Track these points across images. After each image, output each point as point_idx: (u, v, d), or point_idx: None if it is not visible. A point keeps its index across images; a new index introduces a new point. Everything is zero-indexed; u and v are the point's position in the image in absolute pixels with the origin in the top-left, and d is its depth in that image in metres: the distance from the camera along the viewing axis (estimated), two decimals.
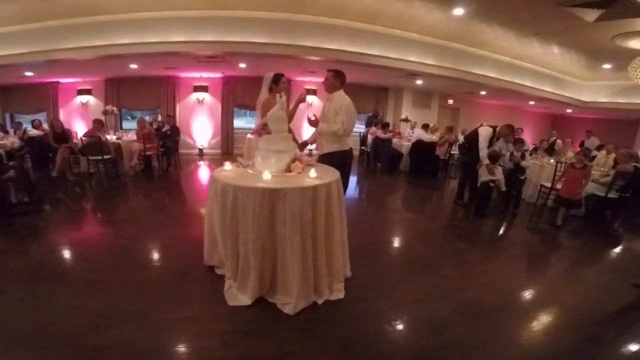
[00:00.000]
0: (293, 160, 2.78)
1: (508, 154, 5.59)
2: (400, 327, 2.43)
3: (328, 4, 5.80)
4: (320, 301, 2.54)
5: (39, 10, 5.78)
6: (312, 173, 2.62)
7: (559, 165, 5.61)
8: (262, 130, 2.88)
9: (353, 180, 7.62)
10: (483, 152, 5.29)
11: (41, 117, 9.82)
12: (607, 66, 8.14)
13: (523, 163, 5.45)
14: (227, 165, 2.95)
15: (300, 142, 3.70)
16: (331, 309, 2.52)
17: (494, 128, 5.47)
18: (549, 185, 5.59)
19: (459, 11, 5.56)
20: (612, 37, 5.86)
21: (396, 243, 4.20)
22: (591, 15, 4.93)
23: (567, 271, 3.76)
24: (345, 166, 3.40)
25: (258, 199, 2.33)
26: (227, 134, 10.60)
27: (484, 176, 5.32)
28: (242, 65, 8.17)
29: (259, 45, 6.29)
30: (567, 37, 6.34)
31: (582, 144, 9.71)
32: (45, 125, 8.83)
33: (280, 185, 2.40)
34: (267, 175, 2.54)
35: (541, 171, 6.20)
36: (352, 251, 3.02)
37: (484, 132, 5.37)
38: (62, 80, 9.84)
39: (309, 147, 3.88)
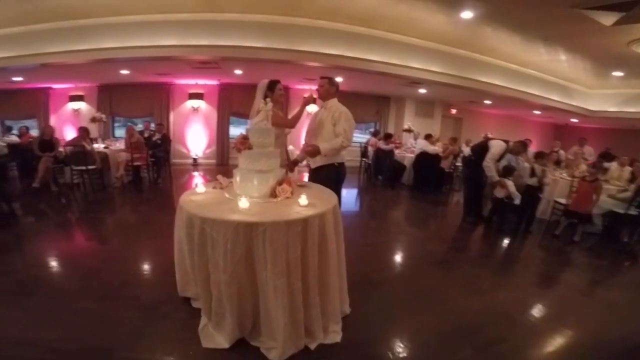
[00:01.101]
0: (280, 183, 2.33)
1: (528, 168, 5.21)
2: None
3: (325, 6, 5.46)
4: (312, 345, 2.12)
5: (26, 13, 5.49)
6: (303, 199, 2.14)
7: (574, 180, 5.26)
8: (241, 144, 2.39)
9: (353, 194, 7.24)
10: (491, 170, 4.90)
11: (32, 123, 9.54)
12: (617, 74, 7.78)
13: (545, 180, 5.09)
14: (200, 188, 2.48)
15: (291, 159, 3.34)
16: (325, 355, 2.10)
17: (507, 142, 5.05)
18: (563, 201, 5.25)
19: (467, 14, 5.20)
20: (627, 43, 5.51)
21: (401, 269, 3.72)
22: (609, 18, 4.59)
23: (594, 299, 3.37)
24: (341, 182, 3.07)
25: (230, 235, 1.86)
26: (223, 143, 10.23)
27: (498, 192, 4.96)
28: (238, 71, 7.84)
29: (254, 50, 5.94)
30: (577, 42, 5.99)
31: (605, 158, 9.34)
32: (33, 132, 8.50)
33: (260, 218, 1.92)
34: (244, 203, 2.05)
35: (554, 186, 5.78)
36: (351, 281, 2.60)
37: (497, 148, 4.94)
38: (55, 85, 9.56)
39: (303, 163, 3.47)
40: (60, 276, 3.10)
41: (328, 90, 3.10)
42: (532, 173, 5.16)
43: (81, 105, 9.82)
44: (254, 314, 2.10)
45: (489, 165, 4.93)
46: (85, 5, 5.33)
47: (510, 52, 7.13)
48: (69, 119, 9.78)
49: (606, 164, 6.44)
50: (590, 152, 9.03)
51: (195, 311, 2.40)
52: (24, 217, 4.75)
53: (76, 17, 5.75)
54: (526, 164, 5.75)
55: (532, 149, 8.98)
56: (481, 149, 5.16)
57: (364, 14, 5.71)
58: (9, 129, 8.51)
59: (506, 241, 4.81)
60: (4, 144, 7.40)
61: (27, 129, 8.43)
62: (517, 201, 4.97)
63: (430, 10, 5.33)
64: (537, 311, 2.92)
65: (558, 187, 5.69)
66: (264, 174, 2.31)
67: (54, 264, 3.34)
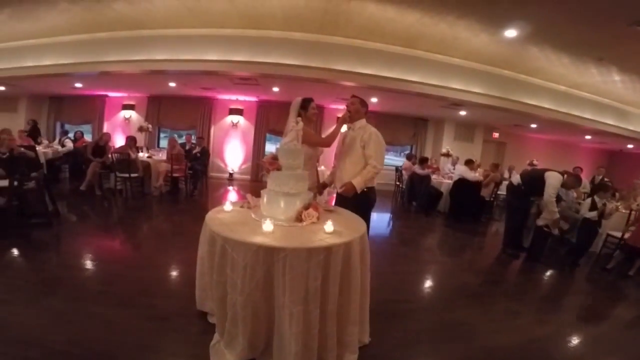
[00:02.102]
0: (306, 207, 2.27)
1: (587, 203, 4.90)
2: None
3: (363, 25, 5.46)
4: None
5: (87, 22, 5.93)
6: (329, 226, 2.05)
7: (633, 213, 4.79)
8: (271, 165, 2.35)
9: (384, 219, 7.02)
10: (554, 206, 4.46)
11: (86, 128, 10.34)
12: None
13: (608, 216, 4.74)
14: (228, 206, 2.47)
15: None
16: None
17: (562, 175, 4.65)
18: (617, 234, 4.81)
19: (511, 33, 4.98)
20: None
21: (429, 300, 3.44)
22: None
23: None
24: (370, 208, 2.94)
25: (250, 258, 1.83)
26: (258, 159, 10.42)
27: (540, 220, 4.66)
28: (276, 89, 8.03)
29: (291, 68, 6.06)
30: (635, 61, 5.53)
31: None
32: (87, 137, 9.17)
33: (281, 243, 1.86)
34: (268, 226, 2.00)
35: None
36: (375, 310, 2.45)
37: (555, 181, 4.47)
38: (110, 93, 10.31)
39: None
40: (83, 279, 3.16)
41: (359, 110, 3.01)
42: (593, 206, 4.78)
43: (132, 114, 10.48)
44: (267, 336, 2.02)
45: (553, 200, 4.47)
46: (142, 16, 5.66)
47: (560, 73, 6.71)
48: (120, 126, 10.46)
49: None
50: None
51: (209, 326, 2.36)
52: (65, 218, 5.03)
53: (133, 27, 6.12)
54: (574, 194, 5.32)
55: (584, 178, 8.34)
56: (534, 180, 4.71)
57: (403, 33, 5.64)
58: (65, 133, 9.25)
59: (550, 274, 4.44)
60: (61, 149, 8.06)
61: (82, 134, 9.10)
62: (556, 231, 4.72)
63: (473, 29, 5.16)
64: (578, 349, 2.66)
65: (612, 219, 5.18)
66: (291, 197, 2.26)
67: (80, 265, 3.44)
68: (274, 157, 2.42)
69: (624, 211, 5.15)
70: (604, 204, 4.71)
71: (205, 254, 2.16)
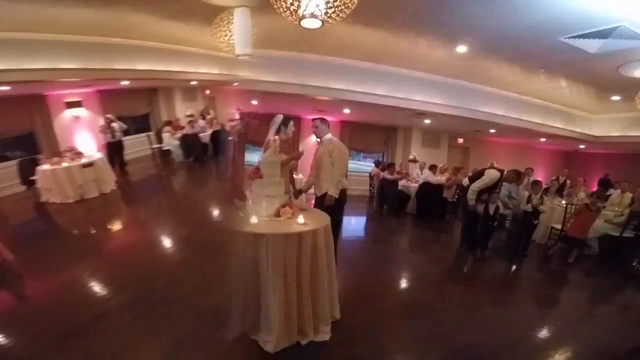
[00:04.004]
0: (283, 205, 2.81)
1: (525, 196, 5.51)
2: None
3: (334, 43, 5.94)
4: (304, 342, 2.50)
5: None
6: (300, 219, 2.62)
7: (569, 207, 5.49)
8: (254, 174, 2.92)
9: (357, 222, 7.57)
10: (472, 194, 5.26)
11: None
12: (616, 98, 7.73)
13: (541, 208, 5.32)
14: None
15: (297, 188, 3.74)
16: (314, 351, 2.47)
17: (502, 172, 5.37)
18: (559, 227, 5.47)
19: (462, 49, 5.60)
20: (617, 68, 5.62)
21: (394, 286, 4.02)
22: (592, 46, 4.82)
23: (579, 313, 3.66)
24: (342, 207, 3.51)
25: (241, 243, 2.38)
26: (236, 169, 10.65)
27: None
28: (254, 102, 8.45)
29: (269, 84, 6.52)
30: (573, 69, 6.14)
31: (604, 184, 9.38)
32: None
33: (264, 231, 2.41)
34: (254, 219, 2.58)
35: (552, 213, 6.00)
36: (346, 293, 3.00)
37: (487, 178, 5.26)
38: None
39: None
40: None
41: (322, 130, 3.60)
42: (529, 200, 5.43)
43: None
44: (255, 313, 2.50)
45: (474, 190, 5.26)
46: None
47: (512, 81, 7.30)
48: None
49: (611, 191, 6.63)
50: None
51: None
52: None
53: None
54: (525, 192, 6.02)
55: (541, 178, 9.07)
56: (476, 179, 5.44)
57: (369, 50, 6.17)
58: None
59: (500, 263, 5.09)
60: None
61: None
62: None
63: (432, 45, 5.70)
64: (513, 322, 3.21)
65: (556, 214, 5.90)
66: (271, 198, 2.82)
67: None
68: (257, 168, 2.95)
69: (564, 205, 5.83)
70: (541, 198, 5.37)
71: None
